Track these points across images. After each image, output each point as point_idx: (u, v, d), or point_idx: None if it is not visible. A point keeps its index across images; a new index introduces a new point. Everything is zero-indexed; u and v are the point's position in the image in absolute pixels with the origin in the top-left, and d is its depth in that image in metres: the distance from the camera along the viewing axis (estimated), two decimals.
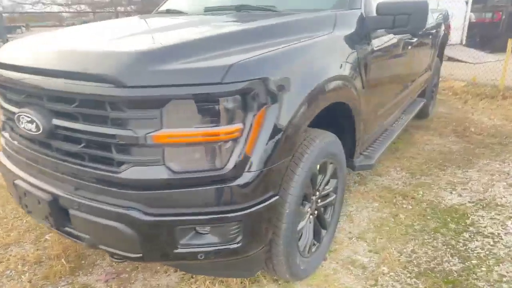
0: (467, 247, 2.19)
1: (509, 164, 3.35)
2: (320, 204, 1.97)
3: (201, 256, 1.38)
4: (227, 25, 1.89)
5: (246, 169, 1.34)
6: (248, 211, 1.37)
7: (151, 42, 1.46)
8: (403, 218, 2.49)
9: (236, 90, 1.25)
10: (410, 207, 2.64)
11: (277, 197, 1.46)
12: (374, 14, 2.13)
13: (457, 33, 10.41)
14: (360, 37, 2.05)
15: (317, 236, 2.01)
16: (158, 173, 1.30)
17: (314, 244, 1.97)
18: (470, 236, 2.30)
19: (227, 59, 1.29)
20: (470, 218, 2.49)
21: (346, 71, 1.85)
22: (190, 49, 1.34)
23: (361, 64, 2.03)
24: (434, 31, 3.76)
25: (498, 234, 2.31)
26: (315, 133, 1.77)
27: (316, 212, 1.95)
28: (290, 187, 1.56)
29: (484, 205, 2.65)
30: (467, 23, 10.50)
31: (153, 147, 1.28)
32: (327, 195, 2.05)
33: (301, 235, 1.83)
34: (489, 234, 2.31)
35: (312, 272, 1.94)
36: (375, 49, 2.18)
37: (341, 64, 1.81)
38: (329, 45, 1.76)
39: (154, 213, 1.33)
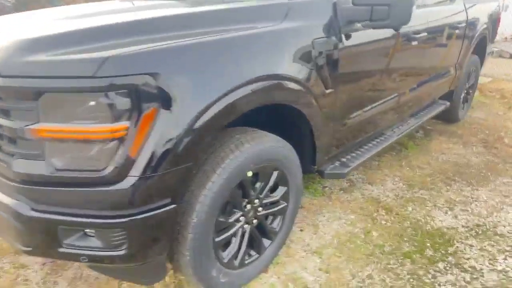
0: (435, 281, 1.89)
1: None
2: (262, 212, 1.80)
3: (84, 259, 1.31)
4: (149, 12, 1.72)
5: (130, 173, 1.23)
6: (133, 218, 1.26)
7: (37, 31, 1.37)
8: (375, 236, 2.23)
9: (112, 85, 1.14)
10: (389, 224, 2.35)
11: (173, 205, 1.34)
12: (350, 4, 1.86)
13: None
14: (326, 30, 1.80)
15: (257, 246, 1.85)
16: (41, 168, 1.24)
17: (250, 255, 1.82)
18: (445, 267, 1.99)
19: (111, 51, 1.17)
20: (455, 246, 2.15)
21: (294, 70, 1.63)
22: (75, 38, 1.24)
23: (324, 62, 1.79)
24: (463, 24, 3.26)
25: (481, 269, 1.97)
26: (246, 136, 1.59)
27: (256, 220, 1.79)
28: (201, 194, 1.43)
29: (480, 232, 2.28)
30: None
31: (33, 140, 1.22)
32: (274, 203, 1.87)
33: (229, 244, 1.70)
34: (469, 268, 1.98)
35: (241, 285, 1.79)
36: (349, 45, 1.91)
37: (285, 62, 1.59)
38: (268, 39, 1.55)
39: (39, 209, 1.28)
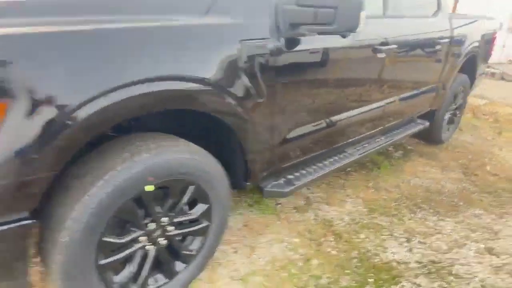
0: None
1: (506, 221, 2.61)
2: (174, 232, 1.59)
3: None
4: None
5: None
6: None
7: None
8: (315, 266, 2.00)
9: None
10: (335, 252, 2.12)
11: (31, 221, 1.13)
12: (294, 5, 1.65)
13: None
14: (262, 32, 1.59)
15: (166, 270, 1.63)
16: None
17: (157, 280, 1.61)
18: None
19: None
20: (401, 284, 1.92)
21: (211, 73, 1.42)
22: None
23: (255, 67, 1.58)
24: (445, 40, 3.03)
25: None
26: (150, 144, 1.39)
27: (165, 241, 1.58)
28: (73, 210, 1.22)
29: (433, 270, 2.04)
30: None
31: None
32: (192, 222, 1.66)
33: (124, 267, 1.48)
34: None
35: None
36: (292, 50, 1.70)
37: (198, 63, 1.39)
38: (178, 34, 1.35)
39: None
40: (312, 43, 1.81)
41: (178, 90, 1.36)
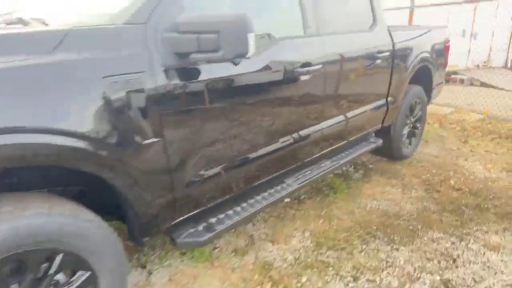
0: None
1: (468, 244, 2.38)
2: None
3: None
4: None
5: None
6: None
7: None
8: None
9: None
10: None
11: None
12: (175, 33, 1.46)
13: (501, 54, 8.93)
14: (133, 65, 1.38)
15: None
16: None
17: None
18: None
19: None
20: None
21: (63, 121, 1.20)
22: None
23: (129, 106, 1.36)
24: (386, 54, 2.88)
25: None
26: None
27: None
28: None
29: None
30: None
31: None
32: None
33: None
34: None
35: None
36: (177, 83, 1.49)
37: (45, 108, 1.16)
38: (16, 77, 1.13)
39: None
40: (210, 72, 1.61)
41: (22, 144, 1.13)
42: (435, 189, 3.16)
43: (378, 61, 2.80)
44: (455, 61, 8.53)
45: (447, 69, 8.43)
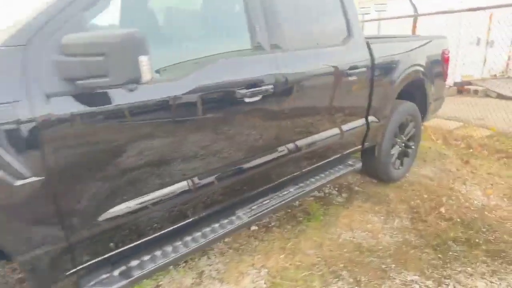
0: None
1: None
2: None
3: None
4: None
5: None
6: None
7: None
8: None
9: None
10: None
11: None
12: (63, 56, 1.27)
13: None
14: (6, 93, 1.20)
15: None
16: None
17: None
18: None
19: None
20: None
21: None
22: None
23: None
24: (363, 69, 2.60)
25: None
26: None
27: None
28: None
29: None
30: None
31: None
32: None
33: None
34: None
35: None
36: (65, 114, 1.29)
37: None
38: None
39: None
40: (109, 98, 1.40)
41: None
42: (422, 218, 2.83)
43: (352, 78, 2.53)
44: (469, 70, 8.06)
45: (461, 79, 7.99)
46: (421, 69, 3.34)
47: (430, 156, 4.20)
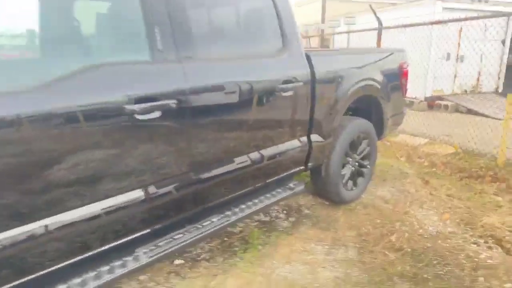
0: None
1: None
2: None
3: None
4: None
5: None
6: None
7: None
8: None
9: None
10: None
11: None
12: None
13: (491, 79, 8.35)
14: None
15: None
16: None
17: None
18: None
19: None
20: None
21: None
22: None
23: None
24: (299, 84, 2.34)
25: None
26: None
27: None
28: None
29: None
30: (504, 66, 8.38)
31: None
32: None
33: None
34: None
35: None
36: None
37: None
38: None
39: None
40: None
41: None
42: (370, 248, 2.56)
43: (287, 93, 2.26)
44: (440, 85, 7.99)
45: (432, 93, 7.90)
46: (375, 83, 3.12)
47: (391, 174, 3.96)
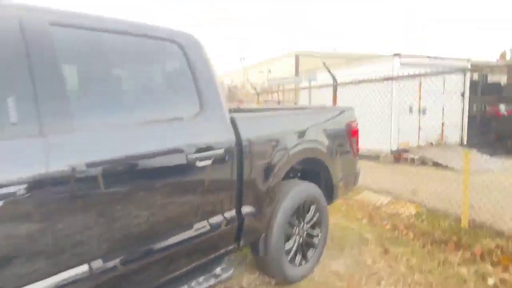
0: None
1: None
2: None
3: None
4: None
5: None
6: None
7: None
8: None
9: None
10: None
11: None
12: None
13: (455, 131, 8.42)
14: None
15: None
16: None
17: None
18: None
19: None
20: None
21: None
22: None
23: None
24: (220, 151, 2.05)
25: None
26: None
27: None
28: None
29: None
30: (466, 119, 8.52)
31: None
32: None
33: None
34: None
35: None
36: None
37: None
38: None
39: None
40: None
41: None
42: None
43: (203, 163, 1.95)
44: (406, 138, 7.96)
45: (397, 146, 7.83)
46: (318, 145, 2.87)
47: (349, 240, 3.60)
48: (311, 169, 3.09)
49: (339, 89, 6.26)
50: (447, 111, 8.08)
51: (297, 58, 23.69)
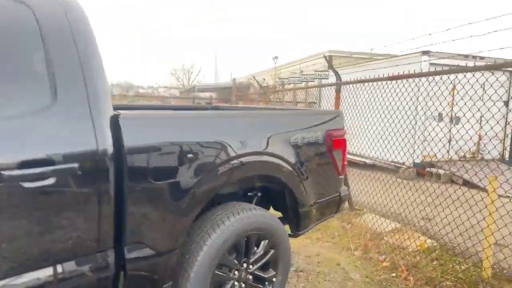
0: None
1: None
2: None
3: None
4: None
5: None
6: None
7: None
8: None
9: None
10: None
11: None
12: None
13: (495, 144, 7.19)
14: None
15: None
16: None
17: None
18: None
19: None
20: None
21: None
22: None
23: None
24: (72, 165, 1.36)
25: None
26: None
27: None
28: None
29: None
30: (510, 129, 7.25)
31: None
32: None
33: None
34: None
35: None
36: None
37: None
38: None
39: None
40: None
41: None
42: None
43: (40, 183, 1.27)
44: (434, 150, 6.87)
45: (422, 159, 6.75)
46: (274, 159, 2.11)
47: (329, 281, 2.79)
48: (274, 188, 2.34)
49: (351, 91, 5.39)
50: (485, 120, 6.89)
51: (330, 58, 22.59)
